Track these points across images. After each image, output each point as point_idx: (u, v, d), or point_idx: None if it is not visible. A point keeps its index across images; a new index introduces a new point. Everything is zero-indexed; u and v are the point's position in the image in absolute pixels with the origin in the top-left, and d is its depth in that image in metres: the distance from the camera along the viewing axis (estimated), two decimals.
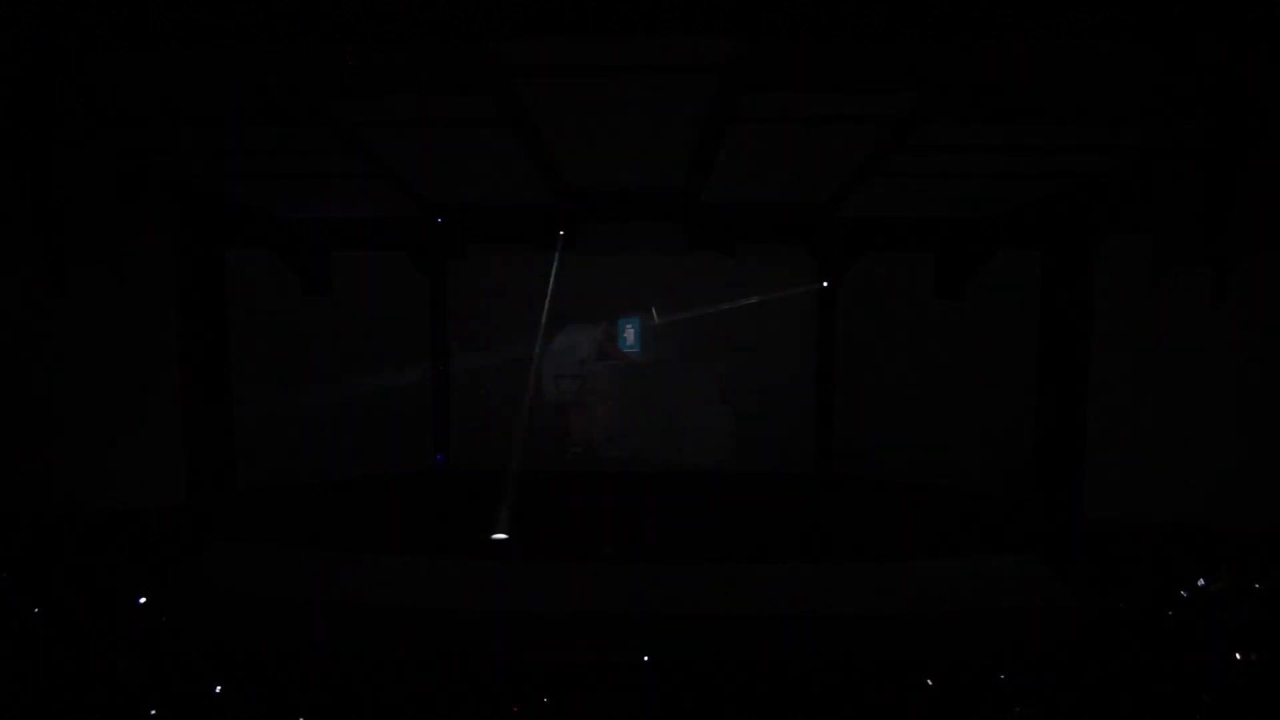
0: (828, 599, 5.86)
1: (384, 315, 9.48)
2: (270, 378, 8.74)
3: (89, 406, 7.58)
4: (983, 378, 8.48)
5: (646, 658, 4.70)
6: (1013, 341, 8.32)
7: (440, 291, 9.76)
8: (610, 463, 9.08)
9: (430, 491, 8.93)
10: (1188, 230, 7.01)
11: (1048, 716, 3.86)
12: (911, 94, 5.54)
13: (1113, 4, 4.44)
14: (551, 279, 9.62)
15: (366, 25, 4.72)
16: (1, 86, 5.49)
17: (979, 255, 8.62)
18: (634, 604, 5.80)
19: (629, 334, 9.39)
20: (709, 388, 9.15)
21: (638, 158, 7.35)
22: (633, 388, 9.44)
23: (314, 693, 4.07)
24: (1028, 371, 8.24)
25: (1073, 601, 5.74)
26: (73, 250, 7.40)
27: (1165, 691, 3.93)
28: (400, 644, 5.07)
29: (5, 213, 7.20)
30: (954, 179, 7.38)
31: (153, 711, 3.77)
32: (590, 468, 9.02)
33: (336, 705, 4.00)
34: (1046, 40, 4.80)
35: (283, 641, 5.24)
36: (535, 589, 6.02)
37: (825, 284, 9.23)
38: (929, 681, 4.13)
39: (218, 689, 4.00)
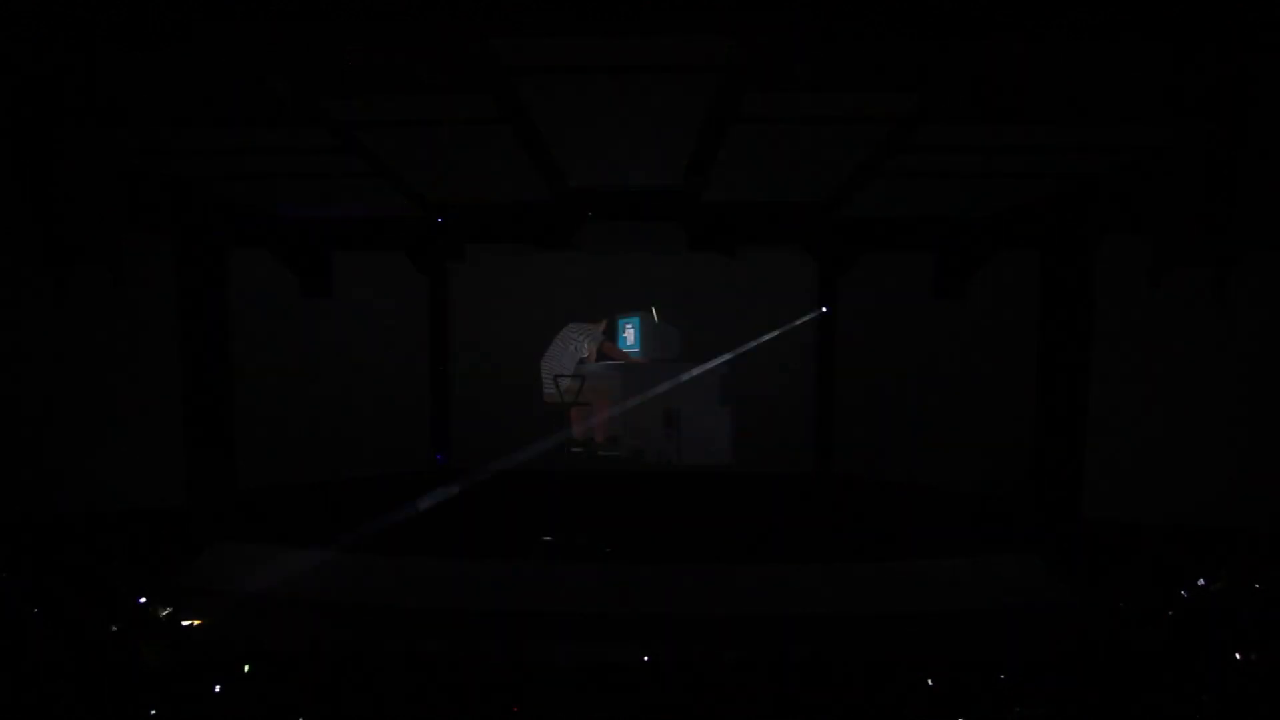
0: (828, 599, 5.86)
1: (384, 315, 9.48)
2: (270, 378, 8.74)
3: (89, 406, 7.58)
4: (983, 378, 8.49)
5: (646, 658, 4.69)
6: (1013, 341, 8.33)
7: (440, 291, 9.77)
8: (610, 462, 9.07)
9: (430, 491, 8.92)
10: (1188, 230, 7.01)
11: (1048, 716, 3.86)
12: (911, 94, 5.54)
13: (1113, 4, 4.44)
14: (551, 279, 9.64)
15: (366, 24, 4.72)
16: (2, 86, 5.50)
17: (979, 255, 8.63)
18: (634, 604, 5.80)
19: (629, 334, 9.38)
20: (709, 388, 9.14)
21: (638, 158, 7.35)
22: (633, 388, 9.43)
23: (314, 693, 4.07)
24: (1028, 371, 8.24)
25: (1073, 601, 5.74)
26: (73, 250, 7.40)
27: (1165, 691, 3.93)
28: (400, 644, 5.07)
29: (5, 213, 7.20)
30: (954, 179, 7.39)
31: (153, 712, 3.77)
32: (590, 467, 9.01)
33: (336, 705, 4.00)
34: (1046, 40, 4.81)
35: (283, 641, 5.23)
36: (535, 589, 6.02)
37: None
38: (929, 681, 4.13)
39: (218, 690, 4.00)
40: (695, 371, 9.02)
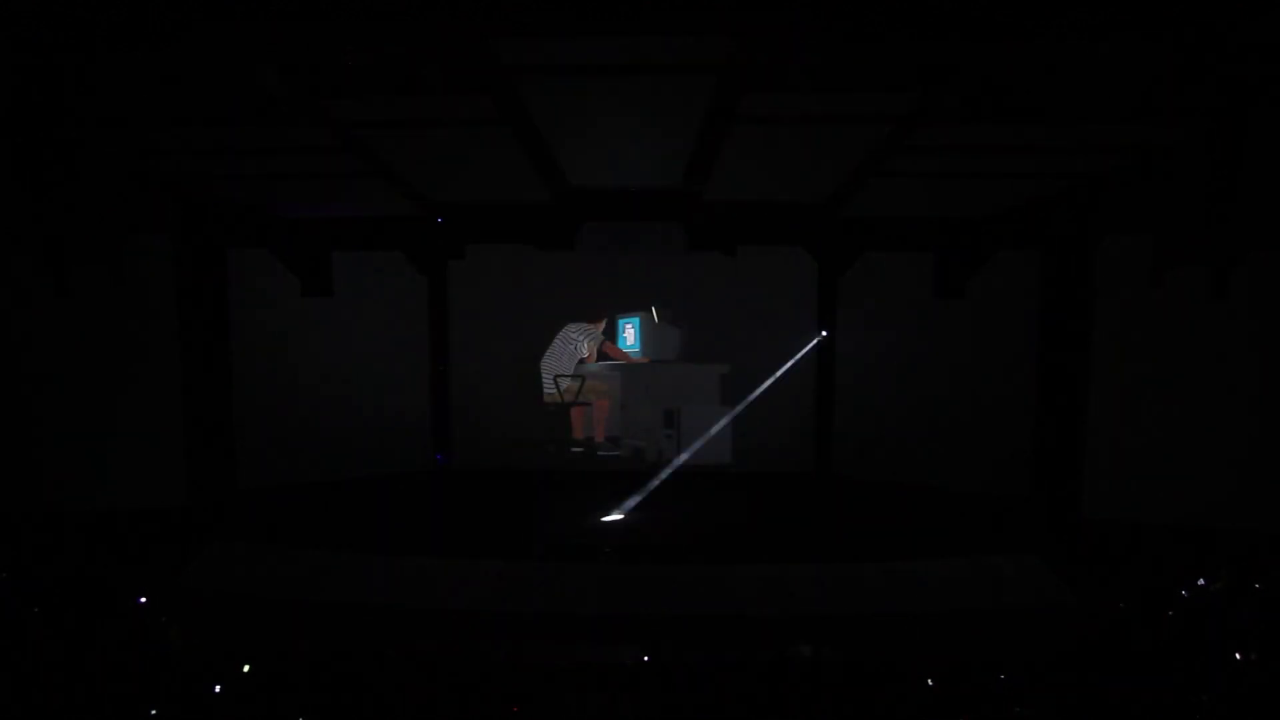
0: (828, 599, 5.86)
1: (384, 315, 9.48)
2: (270, 378, 8.74)
3: (89, 406, 7.58)
4: (983, 378, 8.48)
5: (646, 658, 4.69)
6: (1013, 341, 8.33)
7: (440, 291, 9.76)
8: (610, 462, 9.07)
9: (430, 491, 8.93)
10: (1188, 230, 7.01)
11: (1048, 717, 3.86)
12: (911, 94, 5.54)
13: (1113, 4, 4.44)
14: (551, 279, 9.63)
15: (366, 24, 4.72)
16: (2, 86, 5.50)
17: (979, 255, 8.63)
18: (634, 604, 5.80)
19: (629, 334, 9.38)
20: (709, 388, 9.14)
21: (638, 158, 7.35)
22: (633, 388, 9.43)
23: (313, 693, 4.07)
24: (1028, 371, 8.25)
25: (1072, 601, 5.74)
26: (73, 250, 7.41)
27: (1165, 691, 3.93)
28: (400, 644, 5.07)
29: (5, 213, 7.21)
30: (954, 179, 7.39)
31: (153, 711, 3.77)
32: (590, 467, 9.01)
33: (336, 705, 3.99)
34: (1047, 40, 4.80)
35: (283, 641, 5.24)
36: (535, 589, 6.02)
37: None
38: (929, 681, 4.13)
39: (217, 689, 4.00)
40: (695, 371, 9.04)
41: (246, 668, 4.28)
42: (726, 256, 9.51)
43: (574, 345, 8.72)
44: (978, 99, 5.55)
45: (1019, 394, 8.26)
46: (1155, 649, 4.51)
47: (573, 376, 8.62)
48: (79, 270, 7.49)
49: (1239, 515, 6.96)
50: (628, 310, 9.39)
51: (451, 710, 4.02)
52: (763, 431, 9.16)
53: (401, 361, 9.61)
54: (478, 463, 9.59)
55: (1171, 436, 7.22)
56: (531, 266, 9.65)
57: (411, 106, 5.86)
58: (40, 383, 7.50)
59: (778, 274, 9.47)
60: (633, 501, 7.83)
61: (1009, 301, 8.37)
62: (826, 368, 9.60)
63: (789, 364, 9.04)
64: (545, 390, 8.77)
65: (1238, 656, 4.13)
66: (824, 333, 9.35)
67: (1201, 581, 5.22)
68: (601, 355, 8.97)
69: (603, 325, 8.97)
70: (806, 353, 9.22)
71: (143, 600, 5.32)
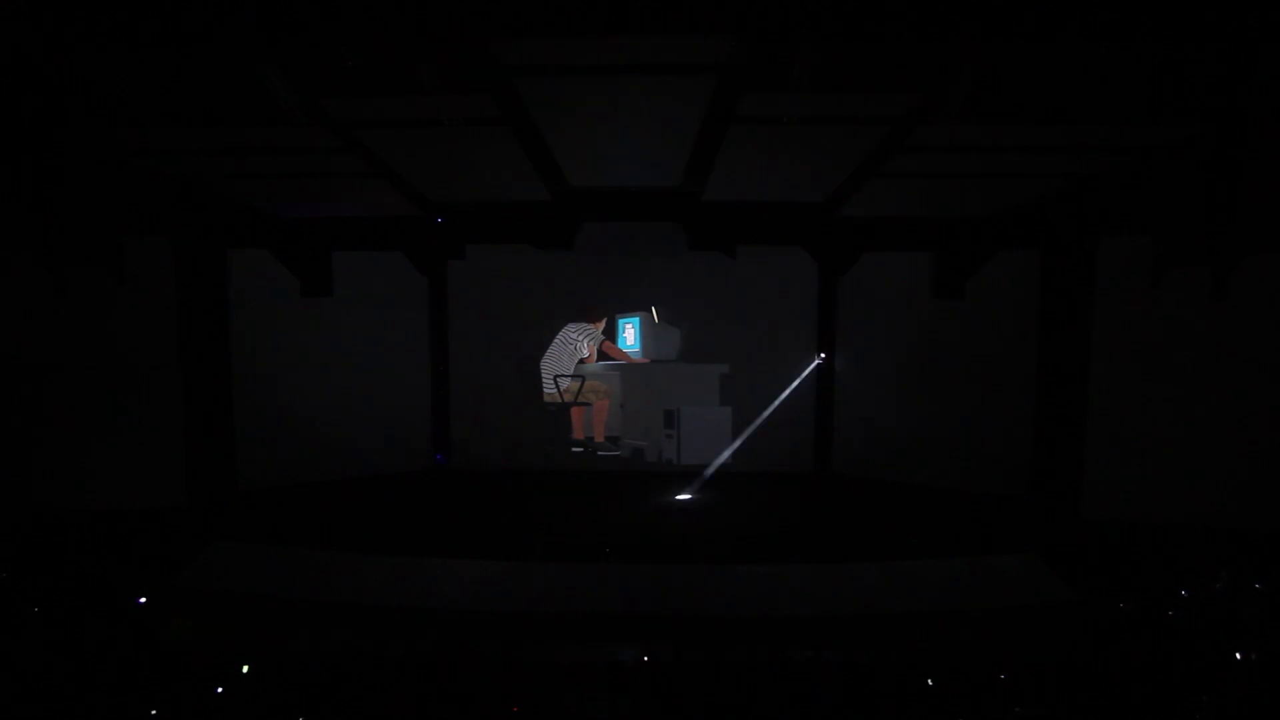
0: (828, 599, 5.86)
1: (384, 315, 9.48)
2: (270, 378, 8.74)
3: (89, 406, 7.58)
4: (983, 378, 8.49)
5: (646, 658, 4.69)
6: (1013, 341, 8.33)
7: (440, 291, 9.76)
8: (610, 462, 9.08)
9: (430, 491, 8.93)
10: (1188, 230, 7.02)
11: (1048, 716, 3.86)
12: (911, 94, 5.55)
13: (1113, 5, 4.44)
14: (551, 279, 9.64)
15: (366, 25, 4.72)
16: (2, 86, 5.50)
17: (979, 255, 8.62)
18: (634, 604, 5.80)
19: (629, 334, 9.38)
20: (709, 388, 9.15)
21: (637, 158, 7.35)
22: (633, 388, 9.44)
23: (313, 693, 4.07)
24: (1028, 371, 8.25)
25: (1073, 601, 5.74)
26: (73, 250, 7.41)
27: (1166, 691, 3.93)
28: (400, 644, 5.07)
29: (5, 213, 7.21)
30: (954, 179, 7.39)
31: (153, 711, 3.77)
32: (590, 467, 9.02)
33: (336, 705, 4.00)
34: (1046, 41, 4.81)
35: (283, 641, 5.24)
36: (535, 589, 6.02)
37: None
38: (929, 681, 4.13)
39: (218, 689, 4.01)
40: (695, 371, 9.04)
41: (246, 668, 4.28)
42: (726, 256, 9.52)
43: (574, 345, 8.72)
44: (978, 99, 5.55)
45: (1019, 394, 8.26)
46: (1155, 649, 4.51)
47: (573, 376, 8.62)
48: (79, 270, 7.50)
49: (1239, 515, 6.97)
50: (628, 310, 9.39)
51: (451, 710, 4.03)
52: (763, 431, 9.15)
53: (401, 361, 9.61)
54: (478, 463, 9.59)
55: (1171, 436, 7.23)
56: (531, 266, 9.65)
57: (411, 106, 5.86)
58: (40, 382, 7.50)
59: (778, 274, 9.47)
60: (631, 502, 7.86)
61: (1009, 301, 8.37)
62: (826, 368, 9.60)
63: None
64: (545, 390, 8.77)
65: (1238, 656, 4.13)
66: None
67: (1201, 581, 5.22)
68: (601, 355, 8.97)
69: (602, 325, 8.97)
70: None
71: (143, 600, 5.33)
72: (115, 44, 4.88)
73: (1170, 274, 7.21)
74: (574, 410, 8.91)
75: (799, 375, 9.30)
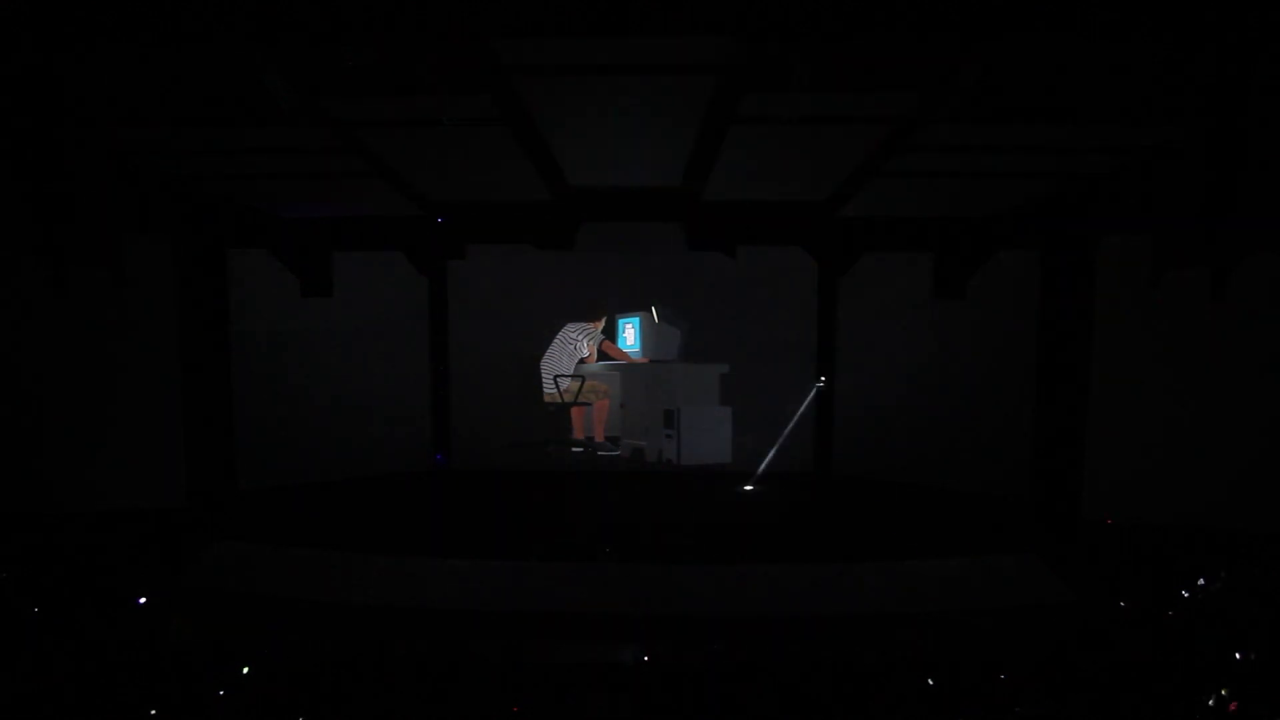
0: (828, 599, 5.86)
1: (384, 315, 9.48)
2: (270, 378, 8.74)
3: (89, 406, 7.58)
4: (983, 378, 8.49)
5: (646, 658, 4.69)
6: (1013, 341, 8.32)
7: (440, 291, 9.76)
8: (610, 462, 9.08)
9: (430, 491, 8.93)
10: (1188, 230, 7.01)
11: (1048, 716, 3.86)
12: (911, 94, 5.55)
13: (1113, 4, 4.44)
14: (551, 279, 9.64)
15: (366, 25, 4.72)
16: (2, 86, 5.50)
17: (979, 255, 8.62)
18: (634, 604, 5.80)
19: (629, 334, 9.38)
20: (709, 388, 9.15)
21: (637, 158, 7.35)
22: (633, 388, 9.43)
23: (313, 693, 4.07)
24: (1028, 371, 8.24)
25: (1073, 601, 5.74)
26: (73, 250, 7.40)
27: (1165, 691, 3.93)
28: (400, 644, 5.07)
29: (5, 213, 7.21)
30: (954, 179, 7.39)
31: (153, 711, 3.77)
32: (590, 467, 9.02)
33: (336, 706, 4.00)
34: (1046, 40, 4.81)
35: (283, 642, 5.24)
36: (535, 589, 6.02)
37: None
38: (929, 681, 4.13)
39: (218, 690, 4.00)
40: (695, 371, 9.04)
41: (246, 668, 4.28)
42: (726, 256, 9.52)
43: (574, 345, 8.72)
44: (977, 99, 5.55)
45: (1019, 394, 8.26)
46: (1155, 649, 4.51)
47: (573, 376, 8.62)
48: (79, 270, 7.49)
49: (1239, 515, 6.96)
50: (628, 310, 9.39)
51: (451, 710, 4.02)
52: (763, 431, 9.15)
53: (401, 361, 9.61)
54: (478, 463, 9.58)
55: (1171, 436, 7.22)
56: (531, 266, 9.65)
57: (411, 106, 5.86)
58: (40, 382, 7.49)
59: (778, 274, 9.47)
60: (631, 502, 7.85)
61: (1009, 301, 8.37)
62: (826, 368, 9.60)
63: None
64: (545, 390, 8.77)
65: (1237, 656, 4.13)
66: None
67: (1201, 581, 5.22)
68: (601, 355, 8.97)
69: (602, 324, 8.97)
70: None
71: (143, 600, 5.33)
72: (115, 44, 4.88)
73: (1170, 274, 7.21)
74: (574, 410, 8.91)
75: (800, 377, 9.32)
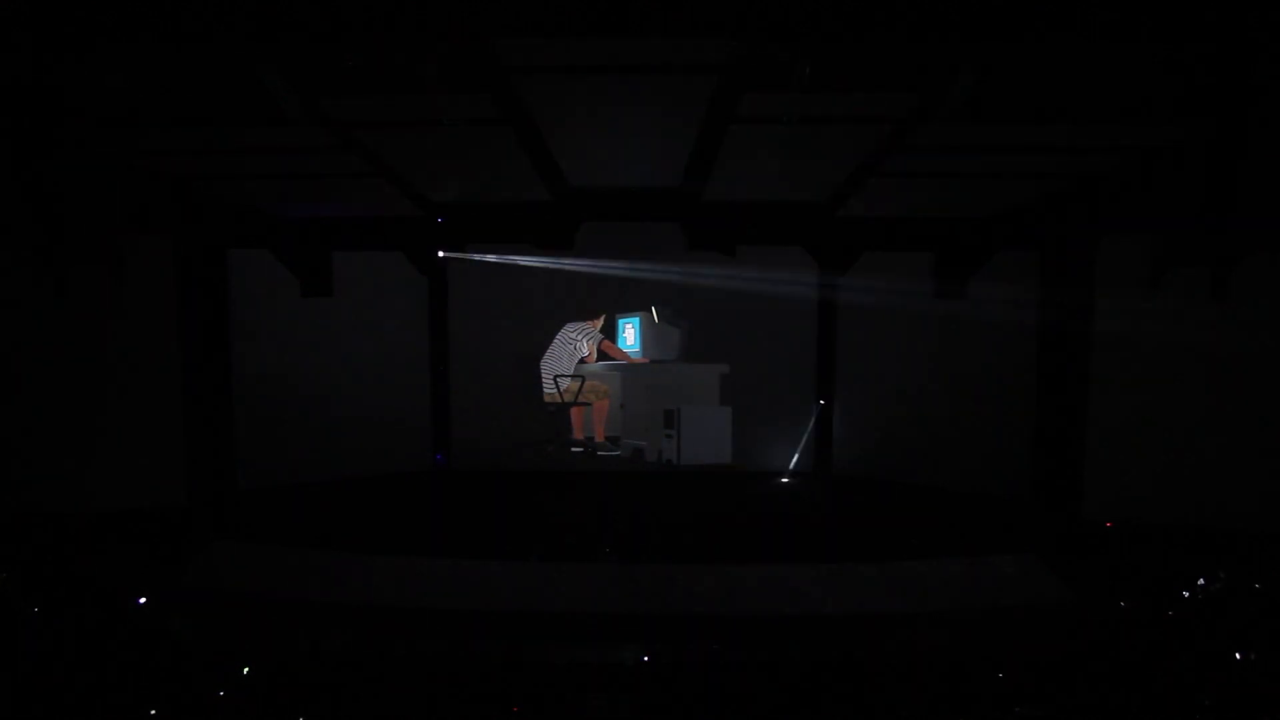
0: (828, 599, 5.86)
1: (384, 315, 9.48)
2: (270, 378, 8.74)
3: (89, 406, 7.58)
4: (982, 378, 8.48)
5: (646, 658, 4.70)
6: (1012, 342, 8.32)
7: (440, 291, 9.76)
8: (610, 462, 9.08)
9: (430, 491, 8.93)
10: (1188, 230, 7.01)
11: (1048, 716, 3.86)
12: (911, 94, 5.54)
13: (1113, 4, 4.44)
14: (551, 279, 9.65)
15: (366, 25, 4.72)
16: (2, 86, 5.50)
17: (979, 255, 8.62)
18: (634, 604, 5.80)
19: (629, 334, 9.39)
20: (709, 388, 9.15)
21: (637, 158, 7.35)
22: (633, 388, 9.44)
23: (314, 693, 4.07)
24: (1028, 371, 8.24)
25: (1073, 601, 5.74)
26: (73, 250, 7.40)
27: (1165, 691, 3.93)
28: (400, 644, 5.07)
29: (5, 213, 7.20)
30: (954, 179, 7.39)
31: (153, 711, 3.77)
32: (590, 467, 9.02)
33: (336, 706, 4.00)
34: (1046, 41, 4.81)
35: (283, 641, 5.24)
36: (535, 589, 6.02)
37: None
38: (929, 681, 4.13)
39: (218, 690, 4.00)
40: (695, 371, 9.04)
41: (246, 668, 4.28)
42: (726, 256, 9.52)
43: (574, 345, 8.73)
44: (977, 99, 5.55)
45: (1019, 394, 8.25)
46: (1155, 649, 4.51)
47: (573, 376, 8.62)
48: (79, 270, 7.49)
49: (1239, 515, 6.97)
50: (628, 310, 9.39)
51: (451, 710, 4.02)
52: (763, 431, 9.16)
53: (401, 361, 9.61)
54: (478, 463, 9.59)
55: (1171, 436, 7.23)
56: (531, 266, 9.66)
57: (411, 106, 5.86)
58: (39, 382, 7.49)
59: (777, 274, 9.47)
60: (631, 502, 7.84)
61: (1009, 301, 8.36)
62: (826, 368, 9.60)
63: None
64: (545, 390, 8.77)
65: (1238, 656, 4.13)
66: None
67: (1201, 581, 5.22)
68: (601, 355, 8.98)
69: (600, 323, 8.97)
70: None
71: (143, 600, 5.33)
72: (115, 44, 4.88)
73: (1170, 274, 7.21)
74: (574, 410, 8.91)
75: (801, 377, 9.32)
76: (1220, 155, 6.50)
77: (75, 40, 4.82)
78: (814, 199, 8.38)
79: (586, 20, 4.63)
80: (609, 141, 6.82)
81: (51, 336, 7.49)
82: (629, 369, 9.11)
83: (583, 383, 8.55)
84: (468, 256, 9.68)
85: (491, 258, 9.69)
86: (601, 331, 8.93)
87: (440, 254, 9.65)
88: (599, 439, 9.04)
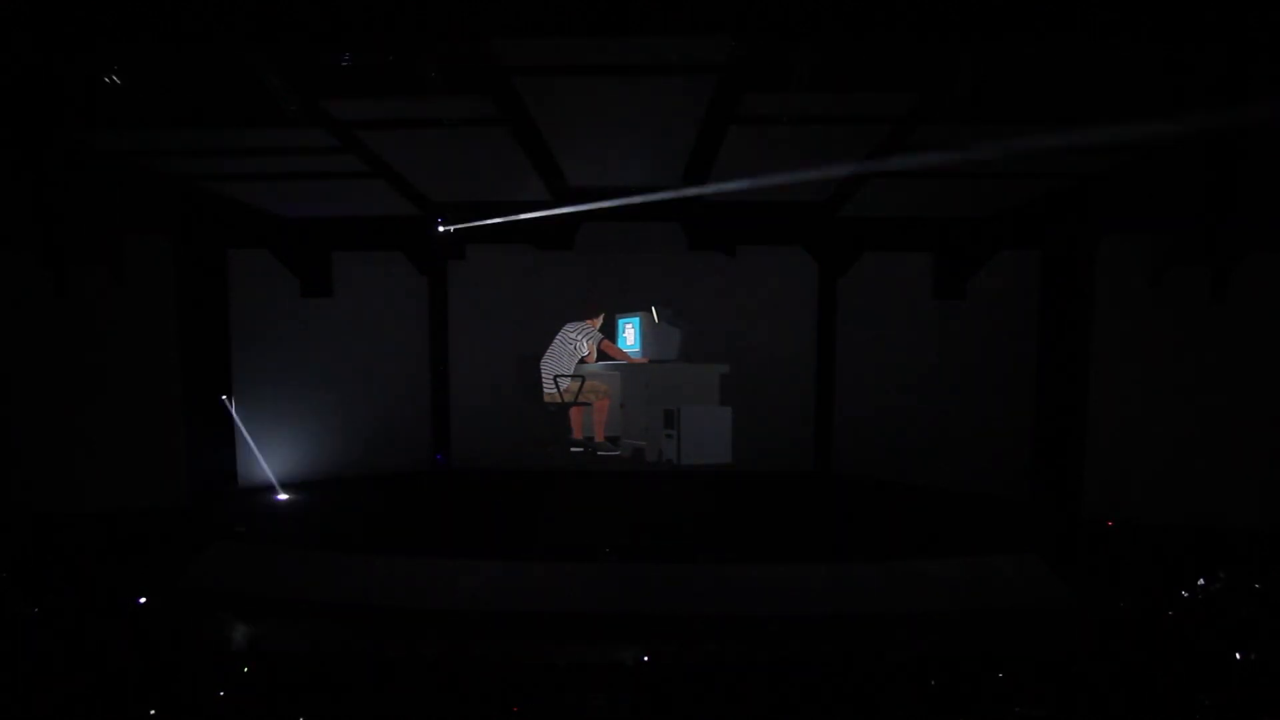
0: (828, 599, 5.86)
1: (384, 315, 9.48)
2: (270, 378, 8.74)
3: (89, 406, 7.58)
4: (983, 378, 8.48)
5: (646, 658, 4.70)
6: (1013, 342, 8.32)
7: (440, 291, 9.76)
8: (610, 462, 9.07)
9: (430, 491, 8.93)
10: (1188, 230, 7.01)
11: (1048, 716, 3.86)
12: (911, 94, 5.54)
13: (1113, 5, 4.44)
14: (551, 279, 9.64)
15: (366, 25, 4.72)
16: (2, 86, 5.50)
17: (979, 255, 8.62)
18: (634, 604, 5.80)
19: (629, 334, 9.38)
20: (709, 388, 9.14)
21: (637, 158, 7.35)
22: (633, 388, 9.43)
23: (314, 693, 4.07)
24: (1028, 371, 8.24)
25: (1072, 601, 5.74)
26: (73, 250, 7.40)
27: (1165, 691, 3.93)
28: (400, 644, 5.07)
29: (5, 213, 7.21)
30: (954, 179, 7.39)
31: (152, 711, 3.77)
32: (590, 467, 9.01)
33: (336, 706, 4.00)
34: (1046, 41, 4.81)
35: (283, 641, 5.24)
36: (535, 589, 6.02)
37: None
38: (929, 681, 4.13)
39: (218, 690, 4.00)
40: (695, 371, 9.03)
41: (246, 668, 4.28)
42: (726, 256, 9.51)
43: (573, 345, 8.71)
44: (977, 99, 5.55)
45: (1019, 394, 8.26)
46: (1155, 649, 4.51)
47: (573, 376, 8.61)
48: (79, 270, 7.49)
49: (1239, 515, 6.97)
50: (628, 310, 9.38)
51: (451, 710, 4.02)
52: (763, 431, 9.16)
53: (401, 361, 9.61)
54: (478, 463, 9.58)
55: (1171, 436, 7.23)
56: (531, 266, 9.66)
57: (411, 106, 5.86)
58: (40, 383, 7.49)
59: (778, 274, 9.47)
60: (631, 502, 7.81)
61: (1009, 301, 8.37)
62: (826, 367, 9.60)
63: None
64: (545, 390, 8.76)
65: (1238, 656, 4.13)
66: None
67: (1201, 581, 5.22)
68: (601, 355, 8.97)
69: (599, 322, 8.96)
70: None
71: (143, 600, 5.33)
72: (115, 44, 4.88)
73: (1170, 274, 7.21)
74: (574, 410, 8.90)
75: (801, 377, 9.31)
76: (1220, 155, 6.51)
77: (75, 40, 4.82)
78: (814, 199, 8.38)
79: (586, 20, 4.63)
80: (609, 141, 6.82)
81: (51, 336, 7.49)
82: (629, 369, 9.09)
83: (583, 383, 8.53)
84: (467, 257, 9.67)
85: (491, 258, 9.68)
86: (601, 331, 8.90)
87: (440, 254, 9.64)
88: (599, 439, 9.02)
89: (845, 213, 8.61)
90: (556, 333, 8.79)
